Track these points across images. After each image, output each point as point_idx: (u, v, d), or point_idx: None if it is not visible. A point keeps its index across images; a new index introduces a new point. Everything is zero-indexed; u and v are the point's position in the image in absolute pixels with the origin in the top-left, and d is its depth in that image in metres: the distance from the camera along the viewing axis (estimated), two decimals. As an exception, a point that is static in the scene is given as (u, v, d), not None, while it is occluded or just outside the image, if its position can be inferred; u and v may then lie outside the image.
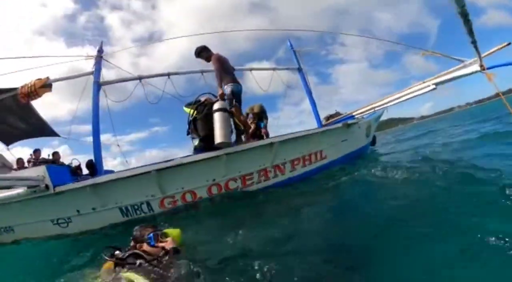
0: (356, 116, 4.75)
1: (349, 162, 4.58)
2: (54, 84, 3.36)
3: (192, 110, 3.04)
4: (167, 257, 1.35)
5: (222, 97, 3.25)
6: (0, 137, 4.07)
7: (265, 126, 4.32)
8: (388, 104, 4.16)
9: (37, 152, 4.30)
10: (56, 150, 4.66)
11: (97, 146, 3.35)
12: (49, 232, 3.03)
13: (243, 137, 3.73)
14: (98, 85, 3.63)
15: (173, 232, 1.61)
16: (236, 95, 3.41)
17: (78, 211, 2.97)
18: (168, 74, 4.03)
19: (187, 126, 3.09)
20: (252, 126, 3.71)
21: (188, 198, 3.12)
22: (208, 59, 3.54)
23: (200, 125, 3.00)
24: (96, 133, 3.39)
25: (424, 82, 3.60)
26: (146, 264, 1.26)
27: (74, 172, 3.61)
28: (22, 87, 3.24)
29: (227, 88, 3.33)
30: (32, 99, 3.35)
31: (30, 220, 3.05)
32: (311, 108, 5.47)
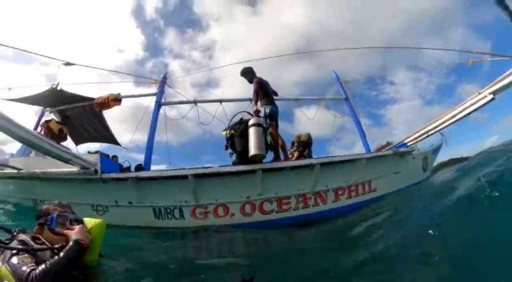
0: (409, 144, 4.11)
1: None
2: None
3: (228, 131, 3.10)
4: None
5: (257, 114, 3.33)
6: (72, 137, 4.70)
7: (310, 155, 4.05)
8: (443, 126, 3.59)
9: (114, 157, 4.89)
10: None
11: (148, 154, 3.62)
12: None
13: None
14: (159, 105, 4.08)
15: (93, 221, 1.24)
16: (273, 115, 3.45)
17: (116, 201, 3.05)
18: (220, 101, 4.31)
19: (225, 142, 3.11)
20: (296, 154, 3.51)
21: (221, 212, 2.95)
22: (251, 81, 3.67)
23: (237, 141, 3.00)
24: (150, 142, 3.70)
25: (479, 94, 3.09)
26: (26, 254, 0.94)
27: (124, 171, 3.89)
28: (98, 98, 3.84)
29: (265, 109, 3.40)
30: (104, 109, 3.93)
31: (74, 200, 3.23)
32: (360, 139, 4.92)
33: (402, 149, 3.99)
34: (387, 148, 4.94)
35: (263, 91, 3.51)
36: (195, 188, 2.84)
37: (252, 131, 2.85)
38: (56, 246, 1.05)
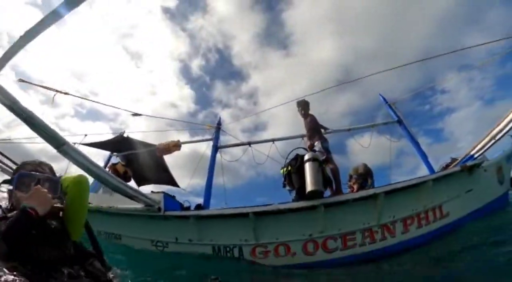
0: (476, 156, 3.58)
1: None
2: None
3: (285, 168, 3.07)
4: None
5: (311, 148, 3.33)
6: (136, 179, 5.15)
7: (371, 187, 3.79)
8: (510, 125, 3.11)
9: (173, 197, 5.20)
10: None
11: (207, 194, 3.78)
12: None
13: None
14: (216, 148, 4.35)
15: (70, 178, 1.01)
16: (327, 150, 3.47)
17: (176, 238, 3.11)
18: (273, 140, 4.44)
19: (283, 179, 3.08)
20: (355, 186, 3.30)
21: (281, 251, 2.80)
22: (305, 115, 3.76)
23: (294, 177, 2.94)
24: (209, 183, 3.89)
25: None
26: None
27: (185, 210, 4.10)
28: (159, 144, 4.29)
29: (318, 144, 3.42)
30: (165, 154, 4.34)
31: (135, 234, 3.42)
32: (422, 161, 4.42)
33: (469, 162, 3.48)
34: (452, 165, 4.35)
35: (317, 127, 3.61)
36: (255, 226, 2.77)
37: (308, 167, 2.78)
38: (10, 214, 0.84)
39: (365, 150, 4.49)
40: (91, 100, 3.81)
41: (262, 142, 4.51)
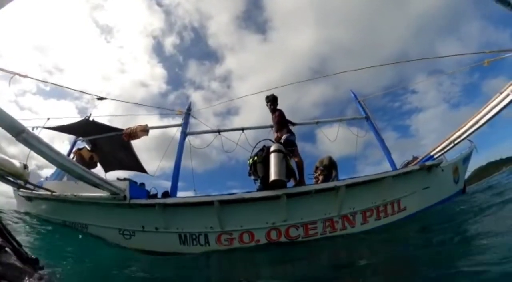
0: (435, 157, 3.90)
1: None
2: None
3: (252, 158, 3.13)
4: None
5: (278, 140, 3.40)
6: (102, 164, 5.07)
7: (335, 179, 3.99)
8: (468, 133, 3.40)
9: (142, 185, 5.09)
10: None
11: (175, 182, 3.75)
12: (114, 240, 3.24)
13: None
14: (185, 135, 4.30)
15: None
16: (293, 141, 3.58)
17: (143, 226, 3.09)
18: (243, 129, 4.49)
19: (248, 168, 3.14)
20: (320, 178, 3.46)
21: (246, 238, 2.89)
22: (273, 110, 3.84)
23: (259, 167, 3.02)
24: (176, 170, 3.86)
25: (501, 93, 2.90)
26: None
27: (151, 198, 4.04)
28: (126, 129, 4.16)
29: (285, 137, 3.50)
30: (132, 139, 4.23)
31: (102, 223, 3.35)
32: (385, 158, 4.73)
33: (428, 162, 3.77)
34: (413, 163, 4.69)
35: (284, 121, 3.67)
36: (221, 215, 2.83)
37: (272, 158, 2.87)
38: None
39: (334, 140, 4.74)
40: (52, 84, 3.65)
41: (232, 130, 4.56)
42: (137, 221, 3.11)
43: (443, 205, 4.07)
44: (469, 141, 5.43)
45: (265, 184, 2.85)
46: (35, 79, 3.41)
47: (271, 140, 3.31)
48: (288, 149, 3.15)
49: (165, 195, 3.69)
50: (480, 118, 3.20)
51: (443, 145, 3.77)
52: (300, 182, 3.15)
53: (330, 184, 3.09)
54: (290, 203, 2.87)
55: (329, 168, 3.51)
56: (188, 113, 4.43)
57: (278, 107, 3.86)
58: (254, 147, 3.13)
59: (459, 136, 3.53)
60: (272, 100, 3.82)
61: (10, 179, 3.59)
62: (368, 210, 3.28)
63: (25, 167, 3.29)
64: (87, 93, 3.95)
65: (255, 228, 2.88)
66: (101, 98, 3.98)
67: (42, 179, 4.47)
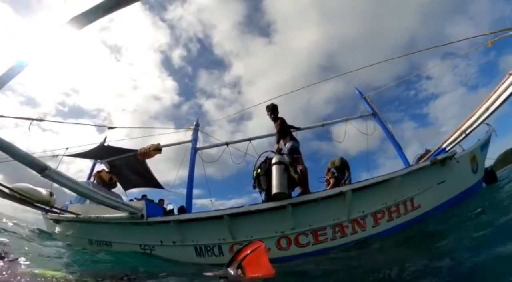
0: (447, 149, 3.73)
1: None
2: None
3: (256, 170, 3.20)
4: None
5: (279, 151, 3.44)
6: (122, 184, 5.42)
7: (348, 180, 3.94)
8: (480, 121, 3.18)
9: (161, 200, 5.45)
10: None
11: (189, 196, 3.99)
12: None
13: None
14: (195, 150, 4.54)
15: None
16: (297, 150, 3.55)
17: (161, 241, 3.31)
18: (250, 139, 4.65)
19: (253, 181, 3.22)
20: (332, 181, 3.47)
21: (257, 248, 2.98)
22: (274, 119, 3.83)
23: (262, 180, 3.09)
24: (190, 185, 4.11)
25: (511, 75, 2.68)
26: None
27: (167, 214, 4.28)
28: (140, 149, 4.45)
29: (289, 144, 3.51)
30: (146, 158, 4.51)
31: (124, 240, 3.62)
32: (396, 153, 4.63)
33: (441, 156, 3.62)
34: (426, 156, 4.54)
35: (286, 129, 3.67)
36: (231, 226, 2.97)
37: (273, 170, 2.94)
38: None
39: (348, 136, 4.74)
40: (66, 123, 4.06)
41: (239, 142, 4.70)
42: (156, 237, 3.33)
43: (463, 198, 3.88)
44: (487, 124, 5.09)
45: (269, 195, 2.94)
46: (50, 121, 3.81)
47: (273, 151, 3.39)
48: (293, 156, 3.19)
49: (181, 210, 3.89)
50: (492, 103, 3.01)
51: (454, 136, 3.62)
52: (305, 190, 3.20)
53: (336, 190, 3.11)
54: (297, 211, 2.94)
55: (342, 169, 3.50)
56: (196, 129, 4.66)
57: (280, 116, 3.84)
58: (257, 159, 3.24)
59: (471, 125, 3.36)
60: (272, 110, 3.83)
61: (39, 205, 3.98)
62: (379, 211, 3.25)
63: (51, 194, 3.65)
64: (98, 125, 4.31)
65: (265, 237, 2.95)
66: (111, 128, 4.32)
67: (67, 203, 4.89)
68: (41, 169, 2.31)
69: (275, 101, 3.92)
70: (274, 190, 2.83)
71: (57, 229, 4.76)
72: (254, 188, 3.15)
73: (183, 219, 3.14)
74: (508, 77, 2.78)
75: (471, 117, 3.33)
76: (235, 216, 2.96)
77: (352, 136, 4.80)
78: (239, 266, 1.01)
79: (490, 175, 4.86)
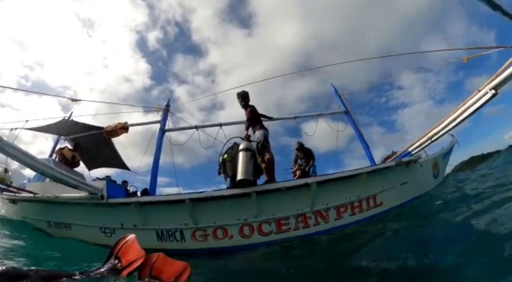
0: (413, 152, 3.92)
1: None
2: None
3: (222, 156, 3.16)
4: None
5: (247, 138, 3.41)
6: (85, 163, 5.12)
7: (310, 167, 4.01)
8: (446, 130, 3.38)
9: (124, 182, 5.26)
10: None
11: (154, 179, 3.81)
12: (96, 238, 3.33)
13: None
14: (163, 132, 4.31)
15: None
16: (265, 139, 3.54)
17: (122, 224, 3.19)
18: (220, 125, 4.50)
19: (218, 167, 3.18)
20: (298, 172, 3.52)
21: (220, 234, 2.99)
22: (245, 106, 3.77)
23: (228, 165, 3.07)
24: (155, 167, 3.92)
25: (479, 91, 2.89)
26: None
27: (129, 196, 4.13)
28: (107, 127, 4.18)
29: (258, 133, 3.47)
30: (113, 136, 4.27)
31: (84, 222, 3.46)
32: (364, 153, 4.79)
33: (406, 158, 3.81)
34: (392, 157, 4.76)
35: (257, 118, 3.62)
36: (193, 212, 2.92)
37: (240, 156, 2.92)
38: None
39: (318, 134, 4.82)
40: (24, 90, 3.73)
41: (210, 126, 4.59)
42: (116, 219, 3.21)
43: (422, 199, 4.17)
44: (451, 135, 5.50)
45: (234, 182, 2.91)
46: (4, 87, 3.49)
47: (241, 138, 3.35)
48: (261, 145, 3.18)
49: (144, 193, 3.76)
50: (458, 116, 3.22)
51: (421, 141, 3.80)
52: (270, 179, 3.22)
53: (301, 181, 3.15)
54: (261, 199, 2.94)
55: (306, 157, 3.54)
56: (166, 109, 4.44)
57: (250, 103, 3.79)
58: (224, 145, 3.20)
59: (437, 133, 3.54)
60: (242, 96, 3.77)
61: None
62: (342, 205, 3.35)
63: (6, 170, 3.38)
64: (60, 96, 4.03)
65: (228, 224, 2.97)
66: (74, 100, 4.04)
67: (25, 181, 4.57)
68: None
69: (249, 92, 3.86)
70: (239, 176, 2.81)
71: (15, 211, 4.46)
72: (219, 173, 3.12)
73: (144, 201, 3.03)
74: (477, 93, 2.97)
75: (438, 126, 3.53)
76: (197, 201, 2.90)
77: (321, 134, 4.90)
78: (117, 258, 1.06)
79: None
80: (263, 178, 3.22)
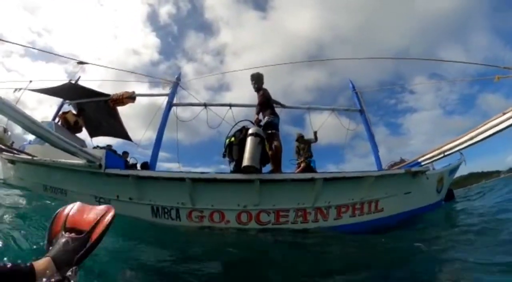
0: (423, 164, 3.83)
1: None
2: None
3: (229, 138, 3.05)
4: None
5: (258, 122, 3.28)
6: (88, 129, 4.99)
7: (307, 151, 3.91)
8: (460, 147, 3.27)
9: (125, 153, 5.16)
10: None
11: (155, 153, 3.70)
12: None
13: None
14: (170, 105, 4.16)
15: None
16: (275, 126, 3.44)
17: (117, 196, 3.12)
18: (230, 105, 4.32)
19: (224, 149, 3.07)
20: (303, 165, 3.41)
21: (216, 218, 2.91)
22: (258, 89, 3.60)
23: (235, 149, 2.96)
24: (158, 141, 3.80)
25: (504, 114, 2.77)
26: None
27: (129, 167, 4.02)
28: (113, 95, 4.03)
29: (268, 119, 3.35)
30: (118, 105, 4.14)
31: (79, 190, 3.39)
32: (372, 155, 4.67)
33: (415, 168, 3.72)
34: (400, 165, 4.65)
35: (269, 103, 3.47)
36: (192, 192, 2.83)
37: (249, 141, 2.79)
38: None
39: (323, 126, 4.66)
40: (30, 47, 3.62)
41: (219, 105, 4.44)
42: (112, 190, 3.13)
43: (422, 212, 4.09)
44: (460, 153, 5.39)
45: (239, 167, 2.81)
46: (11, 42, 3.34)
47: (251, 122, 3.22)
48: (269, 131, 3.06)
49: (144, 166, 3.68)
50: (476, 135, 3.06)
51: (433, 154, 3.69)
52: (276, 168, 3.12)
53: (307, 175, 3.06)
54: (264, 188, 2.85)
55: (306, 144, 3.41)
56: (177, 83, 4.28)
57: (264, 87, 3.63)
58: (233, 127, 3.08)
59: (451, 148, 3.41)
60: (257, 79, 3.61)
61: None
62: (344, 206, 3.27)
63: (5, 130, 3.29)
64: (65, 57, 3.89)
65: (226, 209, 2.89)
66: (81, 63, 3.89)
67: (25, 143, 4.50)
68: None
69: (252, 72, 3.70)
70: (245, 162, 2.70)
71: (13, 172, 4.42)
72: (224, 156, 3.01)
73: (143, 175, 2.94)
74: (501, 116, 2.82)
75: (453, 141, 3.38)
76: (198, 181, 2.81)
77: (325, 127, 4.73)
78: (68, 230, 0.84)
79: (448, 193, 5.28)
80: (269, 166, 3.12)
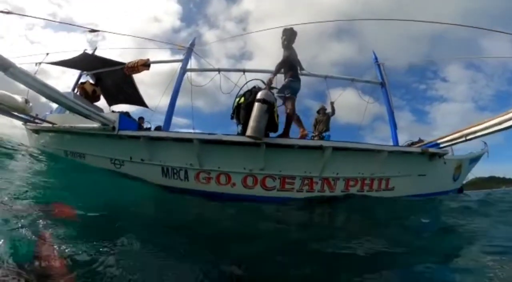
0: (442, 146, 3.54)
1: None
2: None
3: (238, 98, 2.96)
4: None
5: (269, 84, 3.07)
6: (106, 98, 5.19)
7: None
8: (485, 132, 2.94)
9: (140, 118, 5.38)
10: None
11: (169, 117, 3.79)
12: (107, 168, 3.48)
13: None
14: (184, 71, 4.17)
15: None
16: (293, 90, 3.22)
17: (131, 157, 3.27)
18: (244, 71, 4.22)
19: (232, 111, 3.01)
20: (316, 139, 3.29)
21: (223, 180, 2.97)
22: (287, 47, 3.31)
23: (242, 113, 2.88)
24: (172, 105, 3.88)
25: None
26: None
27: (142, 130, 4.15)
28: (128, 63, 4.10)
29: (288, 82, 3.18)
30: (134, 73, 4.20)
31: (96, 152, 3.59)
32: (390, 131, 4.44)
33: (432, 149, 3.48)
34: (418, 144, 4.41)
35: (292, 63, 3.23)
36: (200, 153, 2.88)
37: (255, 108, 2.70)
38: None
39: (342, 104, 4.48)
40: (43, 19, 3.71)
41: (232, 70, 4.39)
42: (126, 152, 3.27)
43: (435, 197, 3.86)
44: (484, 142, 4.97)
45: (245, 131, 2.77)
46: (17, 14, 3.45)
47: (264, 82, 3.09)
48: (283, 95, 2.90)
49: (158, 129, 3.80)
50: (504, 121, 2.72)
51: (453, 136, 3.38)
52: (285, 133, 3.06)
53: (316, 142, 2.99)
54: (270, 152, 2.82)
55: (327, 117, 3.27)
56: (190, 49, 4.25)
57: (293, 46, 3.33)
58: (244, 84, 3.01)
59: (474, 132, 3.10)
60: (289, 35, 3.27)
61: (16, 113, 3.84)
62: (353, 179, 3.18)
63: (27, 101, 3.47)
64: (78, 25, 3.99)
65: (232, 171, 2.92)
66: (93, 31, 3.98)
67: (47, 112, 4.78)
68: (5, 67, 2.10)
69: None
70: (248, 132, 2.64)
71: (38, 141, 4.74)
72: (232, 118, 3.00)
73: (153, 136, 3.03)
74: None
75: (477, 125, 3.05)
76: (206, 143, 2.84)
77: (345, 105, 4.55)
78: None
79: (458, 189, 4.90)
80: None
